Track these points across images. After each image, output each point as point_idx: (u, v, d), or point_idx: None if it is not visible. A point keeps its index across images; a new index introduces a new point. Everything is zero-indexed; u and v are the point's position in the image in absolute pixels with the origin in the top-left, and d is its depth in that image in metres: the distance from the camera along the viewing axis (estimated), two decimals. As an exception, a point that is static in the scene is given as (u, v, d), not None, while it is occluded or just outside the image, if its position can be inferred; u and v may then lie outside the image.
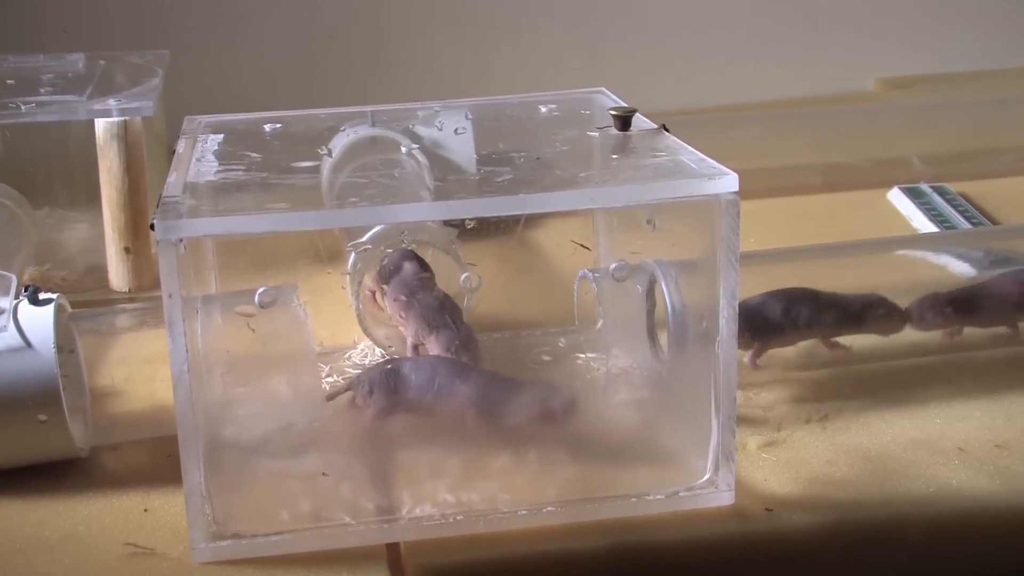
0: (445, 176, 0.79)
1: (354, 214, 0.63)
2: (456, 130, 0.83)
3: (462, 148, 0.84)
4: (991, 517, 0.68)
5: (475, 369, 0.73)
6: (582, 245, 0.82)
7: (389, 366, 0.71)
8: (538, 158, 0.70)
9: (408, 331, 0.79)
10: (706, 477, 0.67)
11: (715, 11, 1.57)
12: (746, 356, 0.81)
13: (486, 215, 0.61)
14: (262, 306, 0.69)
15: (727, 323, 0.64)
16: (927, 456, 0.72)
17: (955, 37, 1.67)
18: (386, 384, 0.70)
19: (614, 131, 0.74)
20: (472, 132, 0.83)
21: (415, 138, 0.84)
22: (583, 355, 0.82)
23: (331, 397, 0.72)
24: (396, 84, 1.46)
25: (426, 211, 0.64)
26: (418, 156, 0.85)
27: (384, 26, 1.47)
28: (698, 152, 0.68)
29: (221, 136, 0.76)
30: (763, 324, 0.81)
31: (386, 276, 0.82)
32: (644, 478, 0.68)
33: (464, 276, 0.80)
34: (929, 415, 0.77)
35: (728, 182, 0.63)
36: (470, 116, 0.83)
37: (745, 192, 1.21)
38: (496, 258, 0.95)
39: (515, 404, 0.69)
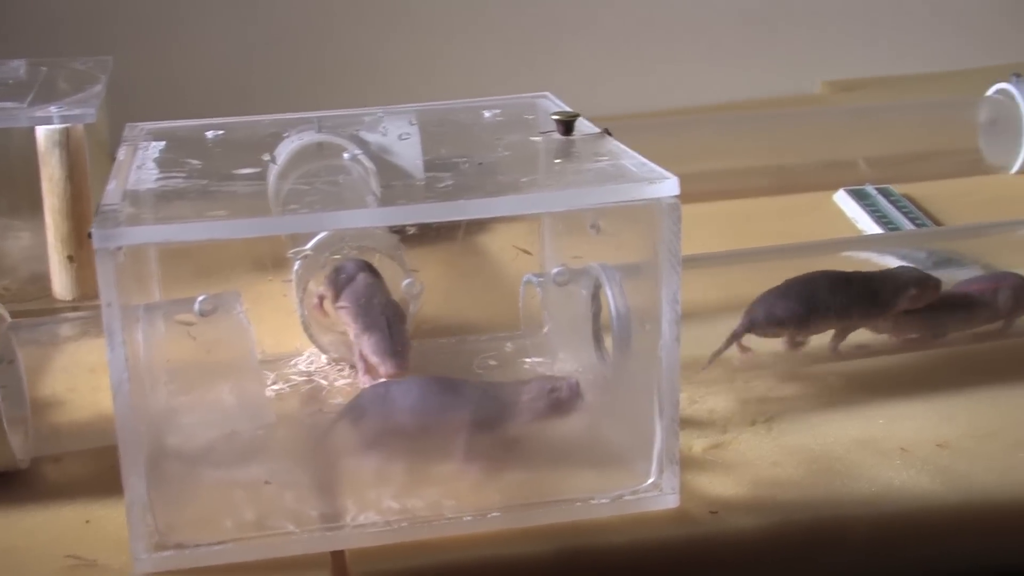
0: (391, 182, 0.79)
1: (293, 221, 0.62)
2: (400, 136, 0.83)
3: (409, 153, 0.84)
4: (932, 516, 0.68)
5: (464, 382, 0.71)
6: (523, 250, 0.82)
7: (380, 390, 0.70)
8: (480, 164, 0.70)
9: (353, 338, 0.79)
10: (651, 480, 0.67)
11: (664, 15, 1.58)
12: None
13: (425, 221, 0.61)
14: (202, 315, 0.69)
15: (670, 326, 0.64)
16: (870, 456, 0.73)
17: (901, 40, 1.68)
18: (377, 410, 0.69)
19: (557, 136, 0.74)
20: (419, 137, 0.83)
21: (361, 144, 0.84)
22: (529, 360, 0.82)
23: (324, 433, 0.70)
24: (342, 90, 1.45)
25: (365, 217, 0.64)
26: (364, 162, 0.85)
27: (329, 32, 1.47)
28: (640, 156, 0.68)
29: (162, 143, 0.76)
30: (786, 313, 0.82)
31: (333, 283, 0.82)
32: (589, 482, 0.68)
33: (406, 282, 0.80)
34: (873, 416, 0.78)
35: (669, 186, 0.63)
36: (414, 122, 0.82)
37: (693, 195, 1.21)
38: (443, 263, 0.95)
39: (521, 406, 0.69)
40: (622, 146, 0.71)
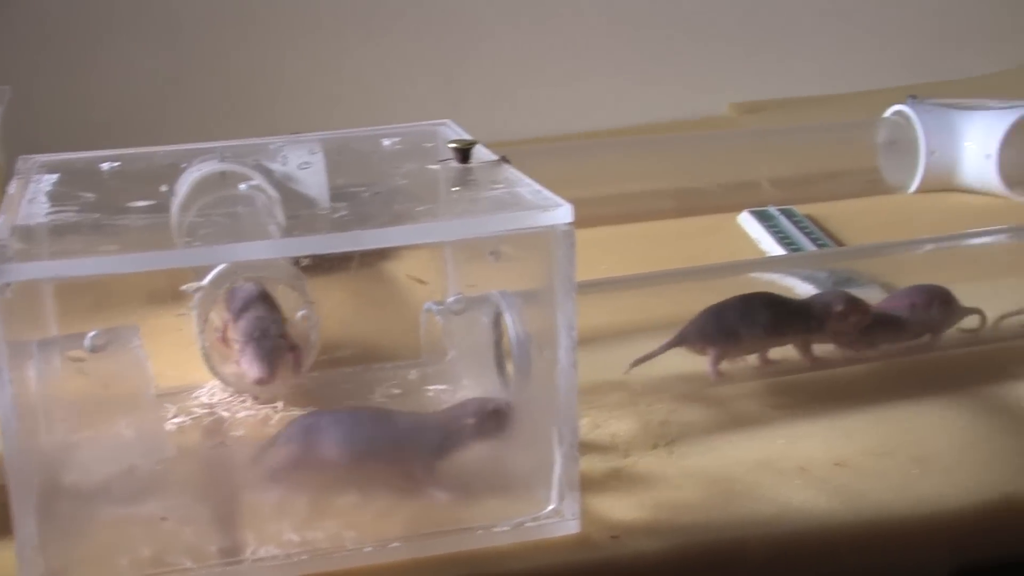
0: (298, 210, 0.79)
1: (182, 255, 0.62)
2: (300, 165, 0.83)
3: (315, 181, 0.84)
4: (830, 535, 0.69)
5: (394, 411, 0.72)
6: (418, 280, 0.82)
7: (308, 421, 0.70)
8: (377, 193, 0.70)
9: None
10: (552, 507, 0.67)
11: (571, 38, 1.59)
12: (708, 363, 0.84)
13: (315, 253, 0.61)
14: (93, 350, 0.68)
15: (566, 353, 0.65)
16: (770, 477, 0.73)
17: (805, 62, 1.71)
18: (304, 440, 0.69)
19: (455, 164, 0.74)
20: (324, 164, 0.83)
21: (266, 173, 0.83)
22: (433, 387, 0.82)
23: (254, 460, 0.70)
24: (245, 119, 1.44)
25: (256, 250, 0.63)
26: (268, 190, 0.85)
27: (231, 61, 1.46)
28: (535, 184, 0.68)
29: (56, 176, 0.75)
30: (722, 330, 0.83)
31: (233, 314, 0.82)
32: (491, 510, 0.68)
33: (300, 313, 0.80)
34: (773, 436, 0.78)
35: (562, 213, 0.63)
36: (315, 151, 0.82)
37: (600, 219, 1.24)
38: (347, 291, 0.95)
39: (462, 428, 0.69)
40: (519, 173, 0.71)
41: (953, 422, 0.79)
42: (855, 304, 0.86)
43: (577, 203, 1.24)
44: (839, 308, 0.85)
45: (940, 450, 0.76)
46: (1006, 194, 1.26)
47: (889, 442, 0.77)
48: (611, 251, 1.14)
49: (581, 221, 1.18)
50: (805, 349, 0.87)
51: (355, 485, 0.69)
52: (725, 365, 0.85)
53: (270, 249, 0.63)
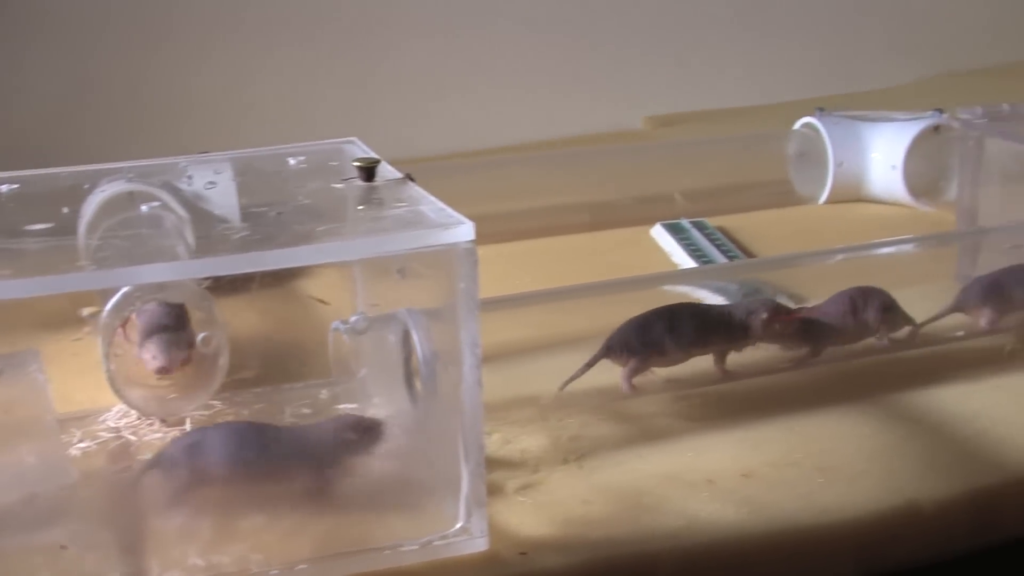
0: (208, 231, 0.78)
1: (77, 279, 0.60)
2: (206, 185, 0.82)
3: (225, 201, 0.83)
4: (737, 546, 0.70)
5: (275, 426, 0.71)
6: (320, 300, 0.81)
7: (189, 440, 0.69)
8: (280, 213, 0.70)
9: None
10: (459, 524, 0.67)
11: (484, 53, 1.59)
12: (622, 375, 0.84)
13: (213, 275, 0.60)
14: (-9, 376, 0.67)
15: (470, 370, 0.65)
16: (678, 490, 0.74)
17: (719, 75, 1.73)
18: (187, 459, 0.68)
19: (360, 182, 0.74)
20: (234, 184, 0.82)
21: (177, 193, 0.82)
22: (344, 406, 0.82)
23: (135, 481, 0.69)
24: (152, 139, 1.43)
25: (153, 273, 0.62)
26: (177, 210, 0.84)
27: (137, 80, 1.44)
28: (439, 202, 0.68)
29: (-50, 199, 0.74)
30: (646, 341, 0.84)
31: (141, 336, 0.81)
32: (399, 528, 0.68)
33: (200, 336, 0.79)
34: (682, 449, 0.79)
35: (464, 231, 0.63)
36: (220, 170, 0.82)
37: (515, 233, 1.24)
38: (258, 311, 0.94)
39: (335, 440, 0.69)
40: (422, 191, 0.71)
41: (858, 430, 0.80)
42: (778, 310, 0.87)
43: (491, 218, 1.25)
44: (763, 315, 0.86)
45: (845, 459, 0.77)
46: (912, 204, 1.28)
47: (795, 452, 0.78)
48: (526, 265, 1.15)
49: (496, 236, 1.20)
50: (722, 360, 0.87)
51: (241, 501, 0.68)
52: (639, 378, 0.85)
53: (168, 272, 0.62)
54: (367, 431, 0.71)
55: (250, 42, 1.48)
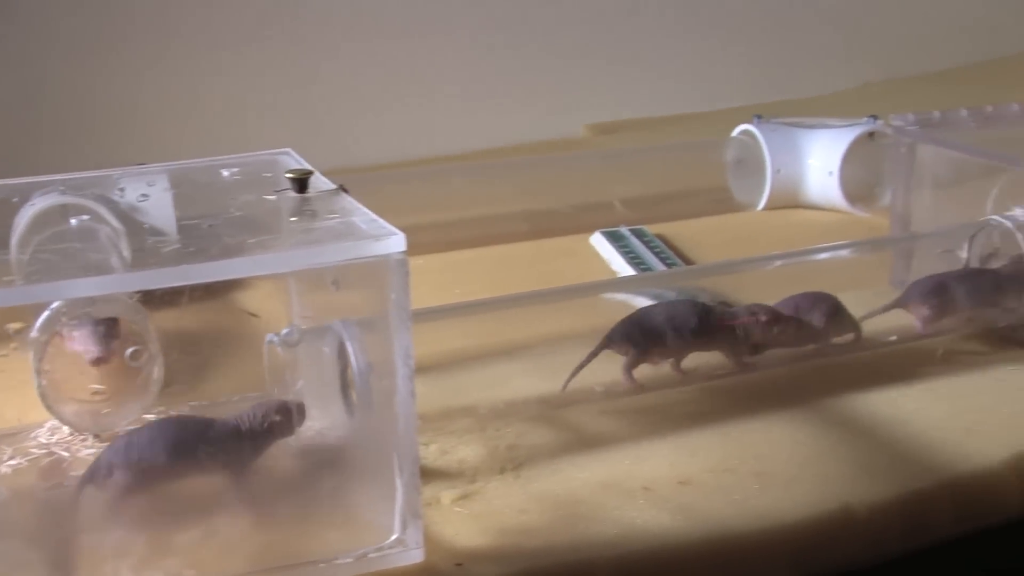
0: (143, 243, 0.78)
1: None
2: (138, 197, 0.81)
3: (162, 213, 0.82)
4: (673, 553, 0.70)
5: (199, 416, 0.71)
6: (251, 313, 0.81)
7: (123, 441, 0.68)
8: (211, 225, 0.69)
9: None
10: (395, 536, 0.67)
11: (424, 60, 1.59)
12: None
13: (141, 289, 0.60)
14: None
15: (404, 381, 0.64)
16: (615, 498, 0.74)
17: (659, 83, 1.74)
18: (125, 459, 0.67)
19: (293, 193, 0.73)
20: (170, 195, 0.81)
21: (112, 205, 0.82)
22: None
23: (78, 493, 0.68)
24: (90, 151, 1.41)
25: (78, 288, 0.61)
26: (112, 223, 0.83)
27: (75, 91, 1.43)
28: (371, 213, 0.68)
29: None
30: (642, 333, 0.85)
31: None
32: (334, 541, 0.67)
33: (130, 350, 0.79)
34: (618, 456, 0.79)
35: (395, 242, 0.63)
36: (152, 182, 0.81)
37: (454, 243, 1.24)
38: (196, 323, 0.93)
39: (263, 423, 0.70)
40: (355, 202, 0.71)
41: (793, 436, 0.81)
42: (774, 313, 0.89)
43: (431, 228, 1.25)
44: (763, 318, 0.88)
45: (780, 464, 0.78)
46: (848, 210, 1.29)
47: (731, 458, 0.78)
48: (466, 275, 1.15)
49: (436, 246, 1.20)
50: (736, 356, 0.89)
51: (181, 498, 0.68)
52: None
53: (96, 286, 0.62)
54: (291, 412, 0.71)
55: (188, 54, 1.47)
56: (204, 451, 0.69)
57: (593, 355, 0.85)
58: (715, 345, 0.88)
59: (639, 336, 0.85)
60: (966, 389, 0.88)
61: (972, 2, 2.02)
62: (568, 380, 0.84)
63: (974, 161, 1.01)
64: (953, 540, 0.77)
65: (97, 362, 0.78)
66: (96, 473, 0.68)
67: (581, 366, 0.84)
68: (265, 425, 0.70)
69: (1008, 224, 0.94)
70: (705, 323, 0.87)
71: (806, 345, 0.91)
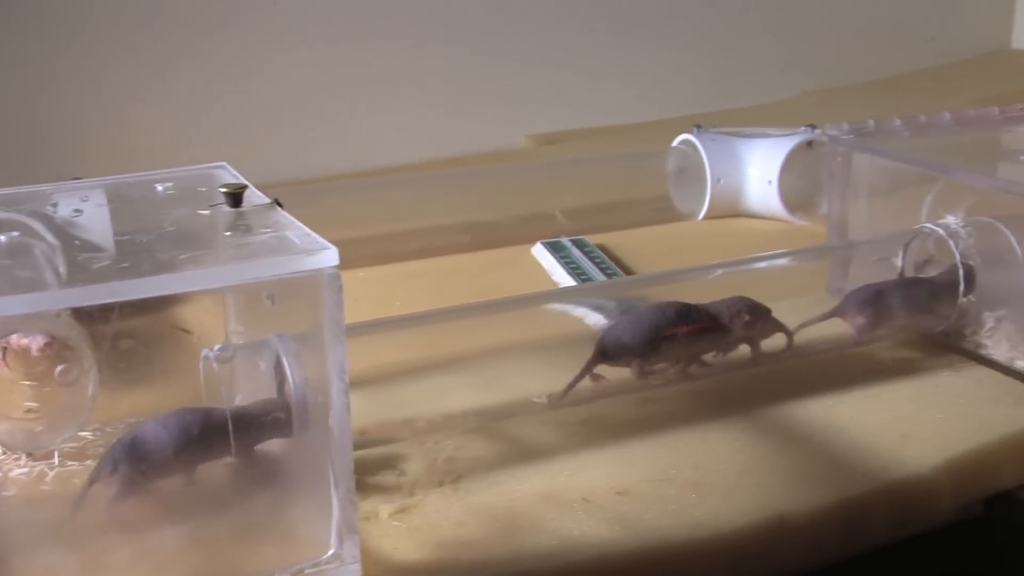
0: (79, 259, 0.77)
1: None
2: (72, 212, 0.81)
3: (99, 228, 0.81)
4: (611, 563, 0.70)
5: (204, 408, 0.71)
6: (183, 330, 0.80)
7: (128, 437, 0.69)
8: (143, 240, 0.69)
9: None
10: (331, 552, 0.67)
11: (363, 72, 1.59)
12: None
13: (66, 306, 0.59)
14: None
15: (339, 396, 0.64)
16: (553, 509, 0.74)
17: (601, 93, 1.75)
18: (130, 455, 0.68)
19: (227, 208, 0.73)
20: (107, 210, 0.81)
21: (47, 220, 0.81)
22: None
23: (81, 496, 0.68)
24: (23, 166, 1.40)
25: (6, 306, 0.61)
26: (48, 239, 0.82)
27: (10, 104, 1.41)
28: (304, 227, 0.68)
29: None
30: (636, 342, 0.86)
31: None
32: (271, 557, 0.67)
33: (59, 368, 0.78)
34: (557, 468, 0.79)
35: (328, 257, 0.63)
36: (86, 197, 0.80)
37: (395, 255, 1.23)
38: (132, 339, 0.92)
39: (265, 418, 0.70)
40: (289, 217, 0.70)
41: (730, 444, 0.82)
42: (755, 309, 0.90)
43: (372, 240, 1.25)
44: (746, 317, 0.89)
45: (718, 473, 0.78)
46: (787, 218, 1.30)
47: (669, 468, 0.79)
48: (408, 287, 1.14)
49: (377, 258, 1.20)
50: (756, 347, 0.91)
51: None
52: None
53: (24, 303, 0.61)
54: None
55: (123, 67, 1.45)
56: (210, 444, 0.70)
57: (588, 368, 0.86)
58: (705, 347, 0.90)
59: (634, 344, 0.86)
60: (902, 395, 0.89)
61: (907, 14, 2.04)
62: (565, 391, 0.86)
63: (908, 169, 1.02)
64: (889, 545, 0.78)
65: (47, 347, 0.76)
66: (101, 470, 0.68)
67: (577, 379, 0.86)
68: (268, 422, 0.70)
69: (941, 232, 0.95)
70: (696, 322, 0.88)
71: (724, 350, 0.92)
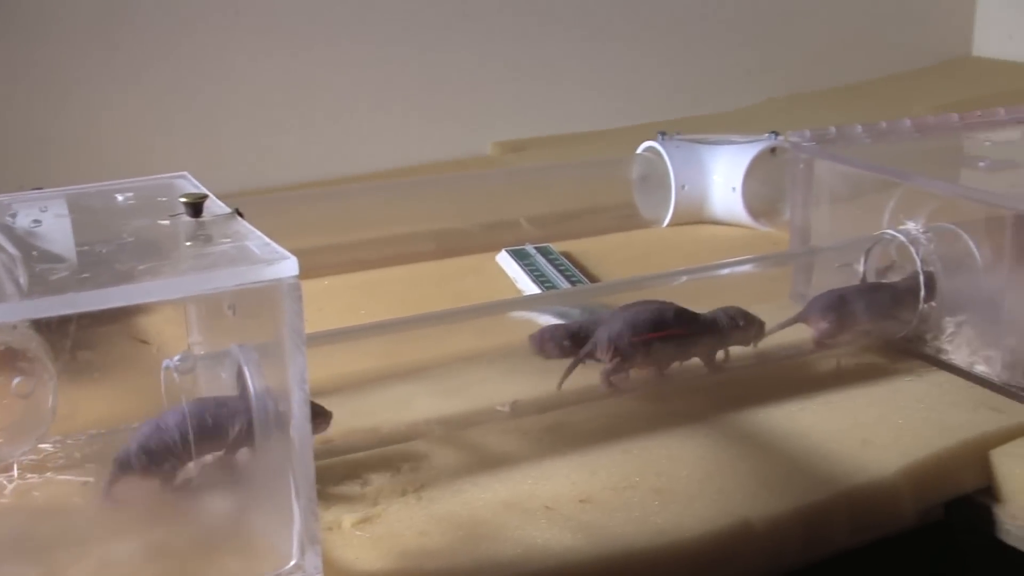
0: (40, 270, 0.76)
1: None
2: (31, 223, 0.80)
3: (60, 238, 0.81)
4: (574, 572, 0.70)
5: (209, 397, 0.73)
6: (142, 340, 0.80)
7: (147, 428, 0.71)
8: (102, 251, 0.69)
9: None
10: (293, 562, 0.66)
11: (331, 80, 1.59)
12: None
13: (26, 318, 0.59)
14: None
15: (299, 407, 0.64)
16: (516, 518, 0.74)
17: (567, 100, 1.75)
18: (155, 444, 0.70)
19: (187, 218, 0.73)
20: (68, 220, 0.80)
21: (7, 231, 0.80)
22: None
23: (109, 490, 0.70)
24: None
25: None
26: (8, 249, 0.82)
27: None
28: (264, 236, 0.68)
29: None
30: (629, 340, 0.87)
31: None
32: (233, 568, 0.67)
33: (16, 380, 0.77)
34: (520, 476, 0.79)
35: (287, 267, 0.63)
36: (44, 208, 0.80)
37: (360, 263, 1.23)
38: (94, 350, 0.92)
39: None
40: (249, 226, 0.70)
41: (693, 451, 0.82)
42: (747, 317, 0.91)
43: (337, 248, 1.25)
44: (740, 323, 0.90)
45: (680, 480, 0.78)
46: (752, 225, 1.31)
47: (632, 475, 0.79)
48: (373, 295, 1.14)
49: (342, 266, 1.19)
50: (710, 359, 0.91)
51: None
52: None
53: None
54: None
55: (85, 77, 1.45)
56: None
57: (576, 362, 0.87)
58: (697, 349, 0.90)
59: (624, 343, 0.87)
60: (863, 401, 0.89)
61: (871, 22, 2.06)
62: (560, 382, 0.87)
63: (870, 176, 1.03)
64: (851, 550, 0.78)
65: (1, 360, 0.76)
66: (125, 459, 0.71)
67: (567, 373, 0.87)
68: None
69: (901, 238, 0.95)
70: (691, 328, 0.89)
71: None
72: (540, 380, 0.88)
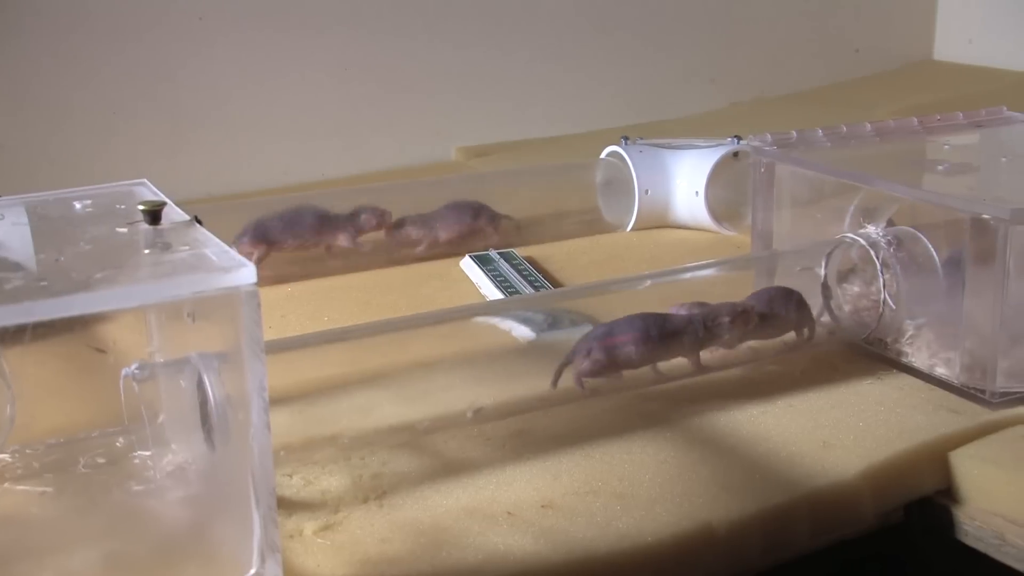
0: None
1: None
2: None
3: (20, 246, 0.80)
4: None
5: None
6: (98, 349, 0.80)
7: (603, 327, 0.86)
8: (58, 260, 0.68)
9: None
10: (253, 571, 0.66)
11: (295, 87, 1.58)
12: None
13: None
14: None
15: (258, 414, 0.64)
16: (478, 523, 0.74)
17: (531, 105, 1.76)
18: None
19: (145, 225, 0.72)
20: (27, 229, 0.80)
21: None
22: (140, 453, 0.80)
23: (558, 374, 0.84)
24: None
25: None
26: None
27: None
28: (223, 244, 0.68)
29: None
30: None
31: None
32: (193, 577, 0.67)
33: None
34: (482, 482, 0.79)
35: (245, 274, 0.63)
36: (2, 216, 0.79)
37: (324, 270, 1.23)
38: (54, 359, 0.91)
39: None
40: (208, 234, 0.70)
41: (655, 456, 0.82)
42: (735, 311, 0.91)
43: (298, 256, 1.24)
44: (726, 319, 0.90)
45: (642, 485, 0.78)
46: (715, 229, 1.32)
47: (594, 480, 0.79)
48: (336, 301, 1.14)
49: (304, 274, 1.19)
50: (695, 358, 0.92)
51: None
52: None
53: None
54: None
55: (43, 83, 1.44)
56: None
57: (564, 363, 0.88)
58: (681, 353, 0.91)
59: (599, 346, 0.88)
60: (824, 404, 0.90)
61: (833, 26, 2.07)
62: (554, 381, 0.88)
63: (831, 180, 1.04)
64: (812, 552, 0.79)
65: None
66: (576, 354, 0.86)
67: (557, 373, 0.87)
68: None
69: (861, 241, 0.96)
70: (670, 332, 0.89)
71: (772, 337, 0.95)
72: (504, 386, 0.88)
